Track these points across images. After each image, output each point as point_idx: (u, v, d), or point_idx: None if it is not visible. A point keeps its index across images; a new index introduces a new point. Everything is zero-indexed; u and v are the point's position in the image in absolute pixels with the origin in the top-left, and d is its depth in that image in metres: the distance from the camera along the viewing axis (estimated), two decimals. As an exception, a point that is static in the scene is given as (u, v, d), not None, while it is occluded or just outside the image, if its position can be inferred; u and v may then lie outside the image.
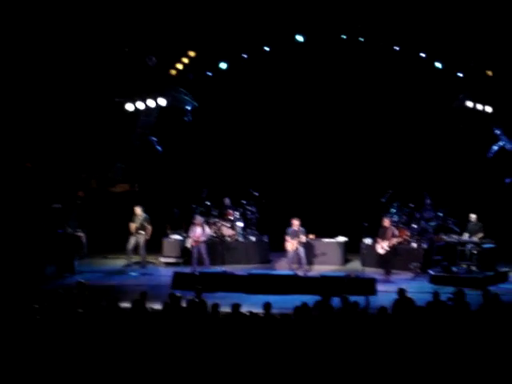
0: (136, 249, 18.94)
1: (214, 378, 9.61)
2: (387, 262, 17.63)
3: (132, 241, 18.84)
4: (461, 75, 18.73)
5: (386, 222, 17.81)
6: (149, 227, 18.82)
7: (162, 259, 19.74)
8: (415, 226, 18.83)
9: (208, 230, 18.60)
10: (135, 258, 19.07)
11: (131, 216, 18.90)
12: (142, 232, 18.74)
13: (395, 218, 18.83)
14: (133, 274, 18.45)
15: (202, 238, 18.30)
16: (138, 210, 18.94)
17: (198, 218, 18.51)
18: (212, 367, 9.72)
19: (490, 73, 18.28)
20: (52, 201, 19.86)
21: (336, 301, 11.97)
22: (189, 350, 10.09)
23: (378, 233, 17.93)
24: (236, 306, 11.27)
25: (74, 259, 18.41)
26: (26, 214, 19.03)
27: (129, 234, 18.83)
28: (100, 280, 17.14)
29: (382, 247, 17.60)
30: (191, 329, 10.63)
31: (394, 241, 17.63)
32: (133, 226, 18.79)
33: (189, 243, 18.50)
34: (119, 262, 19.65)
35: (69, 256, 18.28)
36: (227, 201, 20.29)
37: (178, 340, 10.37)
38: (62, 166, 21.03)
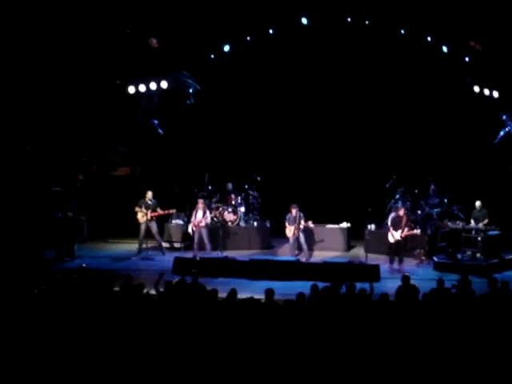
0: (147, 235, 18.73)
1: (215, 365, 9.47)
2: (399, 251, 17.30)
3: (143, 229, 18.59)
4: (467, 59, 18.50)
5: (401, 211, 17.42)
6: (160, 212, 18.58)
7: (164, 244, 19.59)
8: (419, 212, 18.66)
9: (209, 215, 18.43)
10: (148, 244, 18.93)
11: (135, 200, 18.61)
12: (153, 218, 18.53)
13: (399, 204, 18.60)
14: (133, 258, 18.32)
15: (203, 223, 18.15)
16: (150, 194, 18.66)
17: (200, 203, 18.34)
18: (212, 355, 9.60)
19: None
20: (52, 184, 19.77)
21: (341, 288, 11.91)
22: (186, 337, 9.99)
23: (391, 222, 17.44)
24: (233, 292, 11.16)
25: (74, 243, 18.28)
26: (25, 197, 18.94)
27: (137, 223, 18.56)
28: (100, 264, 16.95)
29: (393, 236, 17.20)
30: (188, 315, 10.52)
31: (407, 230, 17.24)
32: (142, 213, 18.49)
33: (190, 228, 18.39)
34: (120, 247, 19.65)
35: (69, 240, 18.19)
36: (229, 185, 20.17)
37: (175, 326, 10.30)
38: (63, 149, 20.91)
